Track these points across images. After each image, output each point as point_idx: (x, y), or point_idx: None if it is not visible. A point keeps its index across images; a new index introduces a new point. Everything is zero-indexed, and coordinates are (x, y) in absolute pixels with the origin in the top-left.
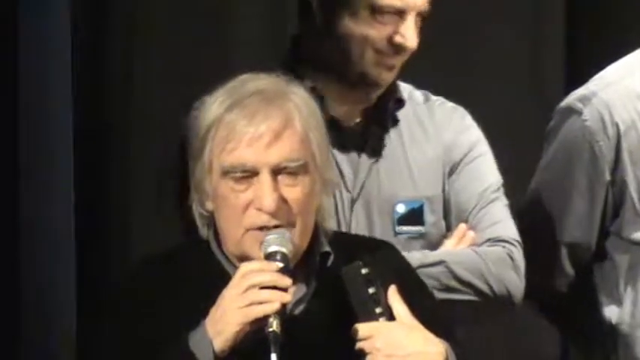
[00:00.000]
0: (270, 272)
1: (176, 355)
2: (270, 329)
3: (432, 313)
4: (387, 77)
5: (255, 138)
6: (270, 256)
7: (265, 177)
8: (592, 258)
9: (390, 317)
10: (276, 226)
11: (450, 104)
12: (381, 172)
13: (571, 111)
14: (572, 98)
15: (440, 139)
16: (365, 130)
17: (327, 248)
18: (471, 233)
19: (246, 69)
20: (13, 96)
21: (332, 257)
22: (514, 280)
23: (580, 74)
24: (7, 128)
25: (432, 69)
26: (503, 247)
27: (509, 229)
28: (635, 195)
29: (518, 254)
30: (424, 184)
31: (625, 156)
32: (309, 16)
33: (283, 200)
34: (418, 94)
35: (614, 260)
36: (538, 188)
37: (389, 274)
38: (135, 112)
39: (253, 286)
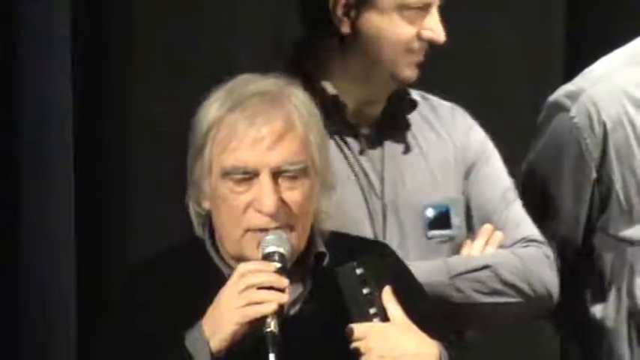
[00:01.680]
0: (267, 273)
1: (173, 356)
2: (268, 329)
3: (427, 314)
4: (415, 75)
5: (257, 140)
6: (267, 257)
7: (266, 179)
8: (580, 254)
9: (384, 318)
10: (275, 228)
11: (447, 103)
12: (405, 177)
13: (559, 107)
14: (561, 93)
15: (451, 139)
16: (382, 135)
17: (323, 249)
18: (499, 234)
19: (247, 69)
20: (12, 95)
21: (327, 258)
22: (553, 280)
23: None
24: (7, 128)
25: (431, 68)
26: (538, 247)
27: (534, 228)
28: (621, 192)
29: (551, 253)
30: (446, 187)
31: (611, 154)
32: (323, 21)
33: (283, 203)
34: (415, 94)
35: (600, 256)
36: (525, 183)
37: (384, 274)
38: (135, 113)
39: (251, 287)
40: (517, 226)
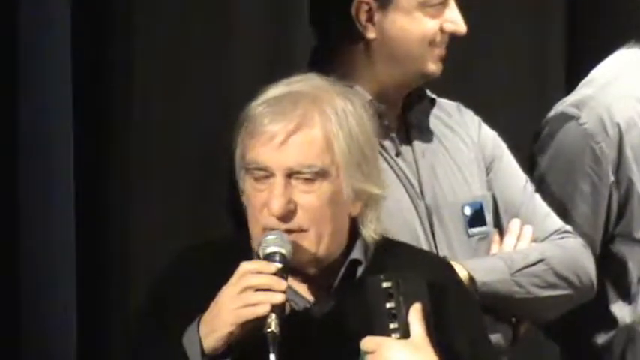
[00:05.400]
0: (266, 275)
1: (171, 348)
2: (269, 329)
3: (473, 341)
4: (440, 70)
5: (269, 137)
6: (268, 257)
7: (278, 180)
8: (601, 260)
9: (405, 334)
10: (287, 231)
11: (450, 101)
12: (439, 177)
13: (566, 117)
14: (565, 105)
15: (468, 137)
16: (410, 136)
17: (359, 256)
18: (529, 228)
19: (246, 67)
20: (12, 94)
21: (363, 266)
22: (594, 270)
23: (583, 77)
24: (7, 127)
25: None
26: (574, 238)
27: (559, 220)
28: None
29: (585, 244)
30: (474, 184)
31: (628, 153)
32: (346, 28)
33: (295, 205)
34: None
35: (624, 262)
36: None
37: (420, 293)
38: (135, 113)
39: (249, 288)
40: (546, 217)
